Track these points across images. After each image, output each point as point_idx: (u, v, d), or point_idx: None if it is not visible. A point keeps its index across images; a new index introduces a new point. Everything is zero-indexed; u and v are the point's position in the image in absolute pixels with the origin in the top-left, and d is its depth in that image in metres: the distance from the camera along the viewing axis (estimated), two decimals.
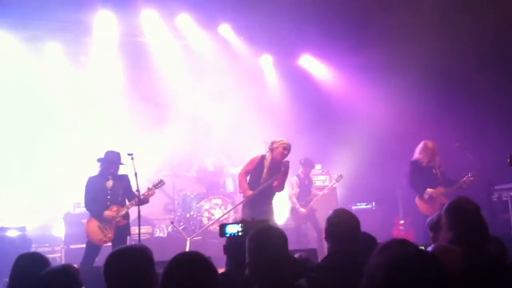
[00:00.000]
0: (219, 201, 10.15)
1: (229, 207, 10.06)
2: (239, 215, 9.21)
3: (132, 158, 6.97)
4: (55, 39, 10.49)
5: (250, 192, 7.39)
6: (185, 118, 11.22)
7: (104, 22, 10.49)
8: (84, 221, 7.57)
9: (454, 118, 10.17)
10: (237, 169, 10.80)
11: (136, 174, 6.92)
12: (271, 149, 7.44)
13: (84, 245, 7.51)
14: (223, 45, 11.42)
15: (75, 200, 9.63)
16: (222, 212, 9.99)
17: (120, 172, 7.51)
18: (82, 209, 9.32)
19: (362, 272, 1.76)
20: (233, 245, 3.52)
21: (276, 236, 2.92)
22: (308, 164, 9.76)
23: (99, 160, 7.43)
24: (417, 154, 8.28)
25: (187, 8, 10.63)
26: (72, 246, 9.08)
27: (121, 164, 7.39)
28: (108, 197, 7.34)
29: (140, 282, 2.71)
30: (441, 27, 9.47)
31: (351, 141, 11.12)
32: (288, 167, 7.49)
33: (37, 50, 10.41)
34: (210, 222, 9.57)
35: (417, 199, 8.23)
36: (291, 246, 3.20)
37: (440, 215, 4.57)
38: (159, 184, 7.49)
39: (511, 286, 2.90)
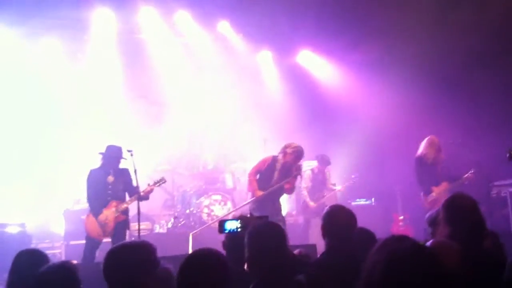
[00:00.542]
0: (218, 197, 10.16)
1: (229, 203, 10.07)
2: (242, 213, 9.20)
3: (132, 155, 6.99)
4: (54, 35, 10.47)
5: (260, 192, 7.46)
6: (184, 115, 11.23)
7: (102, 19, 10.50)
8: (84, 217, 7.58)
9: (453, 114, 10.16)
10: (235, 166, 10.85)
11: (135, 170, 6.95)
12: (284, 153, 7.49)
13: (84, 241, 7.51)
14: (221, 42, 11.43)
15: (75, 197, 9.66)
16: (221, 208, 10.01)
17: (120, 167, 7.54)
18: (82, 205, 9.41)
19: (359, 268, 1.77)
20: (232, 241, 3.54)
21: (274, 232, 2.94)
22: (322, 161, 9.78)
23: (101, 153, 7.44)
24: (422, 149, 8.24)
25: (185, 5, 10.63)
26: (72, 242, 9.10)
27: (123, 158, 7.41)
28: (109, 192, 7.37)
29: (141, 278, 2.71)
30: (439, 23, 9.46)
31: (350, 137, 11.12)
32: (300, 170, 7.59)
33: (35, 46, 10.40)
34: (225, 214, 9.57)
35: (422, 195, 8.20)
36: (296, 241, 3.22)
37: (438, 211, 4.59)
38: (160, 181, 7.52)
39: (507, 282, 2.90)
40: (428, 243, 2.97)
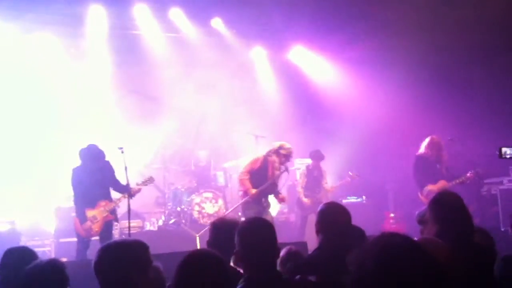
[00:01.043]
0: (210, 195, 10.14)
1: (220, 201, 10.07)
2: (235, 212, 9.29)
3: (122, 152, 6.96)
4: (48, 31, 10.40)
5: (254, 191, 7.64)
6: (177, 112, 11.21)
7: (96, 16, 10.45)
8: (74, 214, 7.56)
9: (446, 112, 10.19)
10: (228, 164, 10.83)
11: (126, 168, 6.92)
12: (278, 153, 7.75)
13: (74, 239, 7.55)
14: (215, 39, 11.40)
15: (66, 194, 9.60)
16: (212, 206, 10.00)
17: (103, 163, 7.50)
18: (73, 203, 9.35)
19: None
20: (216, 239, 3.57)
21: (264, 228, 2.94)
22: (316, 157, 9.76)
23: (81, 151, 7.38)
24: (424, 148, 8.23)
25: (179, 2, 10.60)
26: (62, 240, 9.05)
27: (104, 157, 7.39)
28: (95, 191, 7.31)
29: (133, 276, 2.69)
30: (434, 21, 9.48)
31: (343, 134, 11.13)
32: (287, 168, 7.86)
33: (29, 41, 10.34)
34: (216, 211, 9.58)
35: (420, 193, 8.13)
36: (292, 238, 3.22)
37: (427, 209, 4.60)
38: (148, 181, 7.51)
39: (498, 278, 2.92)
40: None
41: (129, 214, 6.93)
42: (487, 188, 9.36)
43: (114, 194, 7.60)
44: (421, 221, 4.84)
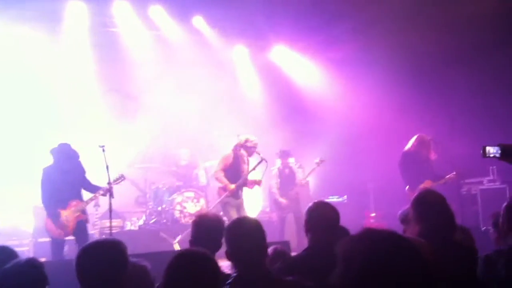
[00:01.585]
0: (191, 194, 10.07)
1: (202, 200, 10.01)
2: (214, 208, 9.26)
3: (104, 150, 6.90)
4: (28, 27, 10.24)
5: (232, 186, 8.08)
6: (158, 110, 11.13)
7: (76, 12, 10.33)
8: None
9: (427, 111, 10.29)
10: (210, 163, 10.77)
11: (107, 167, 6.87)
12: (245, 147, 8.24)
13: None
14: (196, 37, 11.34)
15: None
16: (194, 205, 9.93)
17: (91, 164, 7.47)
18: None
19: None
20: (198, 238, 3.58)
21: (253, 227, 2.95)
22: (283, 155, 9.78)
23: (52, 151, 7.33)
24: (412, 146, 8.21)
25: None
26: (40, 240, 8.91)
27: (74, 156, 7.33)
28: (67, 190, 7.24)
29: (114, 276, 2.67)
30: (416, 22, 9.53)
31: (324, 134, 11.16)
32: (263, 158, 8.21)
33: (8, 38, 10.17)
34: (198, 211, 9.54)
35: (407, 191, 8.09)
36: (271, 238, 3.23)
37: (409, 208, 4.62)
38: (120, 179, 7.44)
39: (480, 277, 2.94)
40: None
41: (110, 213, 6.87)
42: (467, 188, 9.46)
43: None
44: (404, 220, 4.86)
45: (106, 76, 10.96)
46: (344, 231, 3.85)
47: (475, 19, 8.81)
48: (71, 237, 7.36)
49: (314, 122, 11.58)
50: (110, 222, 6.90)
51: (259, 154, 8.24)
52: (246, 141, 8.26)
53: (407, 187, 8.05)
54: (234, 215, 7.85)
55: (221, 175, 8.18)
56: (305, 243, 8.51)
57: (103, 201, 7.39)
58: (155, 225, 9.76)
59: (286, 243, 6.24)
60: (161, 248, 7.82)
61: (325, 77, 11.90)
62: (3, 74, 10.10)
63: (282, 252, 4.09)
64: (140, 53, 11.10)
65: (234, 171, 8.21)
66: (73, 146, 7.49)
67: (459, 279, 2.89)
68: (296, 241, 8.68)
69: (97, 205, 8.16)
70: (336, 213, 3.52)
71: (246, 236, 2.86)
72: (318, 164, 9.73)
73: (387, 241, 1.62)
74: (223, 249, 3.08)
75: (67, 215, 7.17)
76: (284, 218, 9.52)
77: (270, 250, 4.01)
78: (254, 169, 8.28)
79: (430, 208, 3.40)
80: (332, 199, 10.93)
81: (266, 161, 8.19)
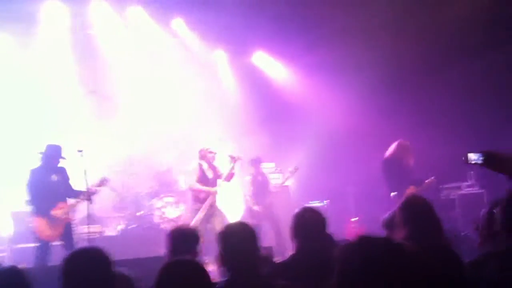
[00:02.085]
0: (171, 199, 9.97)
1: (181, 205, 9.92)
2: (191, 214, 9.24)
3: (82, 155, 6.82)
4: (4, 30, 10.08)
5: (214, 190, 8.40)
6: (137, 114, 11.02)
7: (53, 13, 10.21)
8: (30, 219, 7.32)
9: (406, 116, 10.36)
10: (189, 167, 10.68)
11: (85, 171, 6.79)
12: (205, 156, 8.61)
13: (31, 245, 7.32)
14: (176, 40, 11.29)
15: (24, 198, 9.27)
16: (174, 211, 9.84)
17: (69, 168, 7.41)
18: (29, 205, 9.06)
19: (329, 268, 1.75)
20: (177, 245, 3.67)
21: (246, 232, 2.97)
22: (255, 162, 9.74)
23: (40, 153, 7.29)
24: (392, 152, 8.22)
25: (139, 0, 10.46)
26: (18, 246, 8.71)
27: (62, 158, 7.27)
28: (54, 192, 7.18)
29: (100, 283, 2.64)
30: (395, 25, 9.62)
31: (304, 139, 11.18)
32: (234, 157, 8.59)
33: None
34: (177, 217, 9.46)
35: (393, 197, 7.88)
36: None
37: (394, 213, 4.63)
38: (102, 182, 7.37)
39: (469, 280, 2.95)
40: None
41: (88, 218, 6.78)
42: (446, 192, 9.55)
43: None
44: (388, 226, 4.88)
45: (85, 78, 10.81)
46: (329, 237, 3.85)
47: (458, 22, 8.93)
48: (56, 243, 7.26)
49: (294, 126, 11.58)
50: (88, 227, 6.81)
51: (233, 156, 8.57)
52: (205, 151, 8.63)
53: (393, 193, 8.01)
54: (203, 225, 8.03)
55: (198, 186, 8.43)
56: (286, 248, 8.50)
57: (81, 206, 7.27)
58: (135, 230, 9.64)
59: (269, 249, 6.22)
60: (142, 254, 7.71)
61: (304, 82, 11.92)
62: None
63: (265, 258, 4.07)
64: (119, 54, 10.99)
65: (204, 180, 8.47)
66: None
67: (446, 283, 2.89)
68: (276, 247, 8.63)
69: (74, 210, 8.04)
70: (323, 219, 3.55)
71: (239, 240, 2.87)
72: (292, 172, 9.80)
73: (384, 247, 1.62)
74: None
75: (56, 215, 7.10)
76: (259, 225, 9.46)
77: None
78: (232, 170, 8.57)
79: (417, 211, 3.45)
80: (313, 204, 10.90)
81: (239, 159, 8.62)
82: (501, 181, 3.94)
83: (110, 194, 10.05)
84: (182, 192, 10.38)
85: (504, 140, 8.52)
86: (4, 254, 8.77)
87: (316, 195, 11.15)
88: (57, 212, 7.11)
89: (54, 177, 7.23)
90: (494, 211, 3.38)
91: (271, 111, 12.06)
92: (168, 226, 9.38)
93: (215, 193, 8.41)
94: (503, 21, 9.32)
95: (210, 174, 8.54)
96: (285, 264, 3.51)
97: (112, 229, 9.96)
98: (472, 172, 9.43)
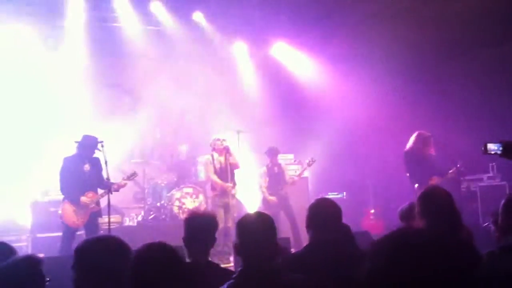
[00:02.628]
0: (190, 190, 10.03)
1: (201, 196, 9.97)
2: (208, 205, 9.34)
3: (102, 146, 6.97)
4: (25, 22, 10.18)
5: (228, 184, 8.63)
6: (157, 105, 11.08)
7: (76, 6, 10.26)
8: (53, 209, 7.54)
9: (427, 107, 10.24)
10: (205, 158, 10.75)
11: (106, 162, 6.93)
12: (215, 148, 8.86)
13: (51, 234, 7.68)
14: (196, 33, 11.29)
15: (43, 188, 9.44)
16: (193, 201, 9.90)
17: (99, 161, 7.55)
18: (50, 197, 9.24)
19: (344, 259, 1.74)
20: (192, 234, 3.59)
21: (263, 222, 2.95)
22: (271, 153, 9.68)
23: (76, 142, 7.48)
24: (412, 144, 8.18)
25: None
26: (39, 235, 8.88)
27: (97, 149, 7.40)
28: (85, 181, 7.41)
29: (113, 271, 2.65)
30: (415, 15, 9.48)
31: (323, 130, 11.12)
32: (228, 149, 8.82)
33: (4, 33, 10.10)
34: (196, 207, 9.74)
35: (417, 189, 7.80)
36: None
37: (411, 205, 4.60)
38: (132, 176, 7.72)
39: (484, 273, 2.91)
40: None
41: (109, 209, 6.91)
42: (467, 185, 9.45)
43: None
44: (404, 217, 4.86)
45: (105, 72, 10.91)
46: (346, 228, 3.83)
47: (476, 14, 8.77)
48: (81, 232, 7.49)
49: (313, 118, 11.54)
50: (109, 218, 6.92)
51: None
52: (215, 143, 8.87)
53: (416, 185, 7.93)
54: (222, 215, 8.37)
55: (214, 177, 8.76)
56: (301, 239, 8.52)
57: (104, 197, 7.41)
58: (154, 221, 9.73)
59: (286, 240, 6.24)
60: None
61: (323, 73, 11.85)
62: (2, 69, 10.03)
63: (282, 249, 4.07)
64: (139, 48, 11.03)
65: (221, 172, 8.71)
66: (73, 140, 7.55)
67: (462, 276, 2.86)
68: (292, 238, 8.65)
69: (101, 197, 8.16)
70: (338, 210, 3.49)
71: (256, 230, 2.86)
72: (309, 164, 9.74)
73: (415, 240, 1.60)
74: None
75: (85, 202, 7.35)
76: (275, 216, 9.45)
77: None
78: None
79: (436, 203, 3.43)
80: (331, 196, 10.88)
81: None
82: None
83: (130, 185, 10.14)
84: (201, 183, 10.44)
85: None
86: (24, 243, 8.94)
87: (334, 187, 11.13)
88: (85, 200, 7.34)
89: (87, 167, 7.46)
90: None
91: (289, 102, 12.04)
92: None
93: (227, 187, 8.62)
94: None
95: (217, 164, 8.80)
96: (298, 255, 3.49)
97: (132, 220, 10.07)
98: (493, 163, 9.30)
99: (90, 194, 7.43)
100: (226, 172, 8.69)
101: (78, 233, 7.51)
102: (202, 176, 10.60)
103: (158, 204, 9.98)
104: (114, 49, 10.95)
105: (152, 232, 8.94)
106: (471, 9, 8.84)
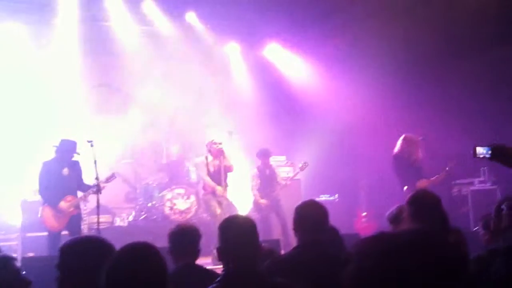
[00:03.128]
0: (181, 191, 9.99)
1: (192, 197, 9.94)
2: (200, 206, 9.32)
3: (92, 145, 6.93)
4: (17, 20, 10.12)
5: (219, 188, 8.73)
6: (148, 105, 11.03)
7: (68, 4, 10.20)
8: (41, 208, 7.47)
9: (419, 108, 10.22)
10: (200, 159, 10.70)
11: (95, 162, 6.91)
12: (210, 150, 8.93)
13: (41, 233, 7.64)
14: (188, 33, 11.25)
15: (33, 187, 9.36)
16: (184, 202, 9.86)
17: (79, 159, 7.57)
18: (40, 196, 9.15)
19: (331, 262, 1.71)
20: (177, 235, 3.72)
21: (245, 225, 2.92)
22: (262, 155, 9.61)
23: (54, 146, 7.48)
24: (399, 147, 8.16)
25: None
26: (28, 234, 8.81)
27: (76, 153, 7.47)
28: (64, 185, 7.39)
29: (96, 271, 2.60)
30: (409, 16, 9.46)
31: (316, 132, 11.09)
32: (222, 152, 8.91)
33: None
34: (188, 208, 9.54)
35: (405, 192, 7.72)
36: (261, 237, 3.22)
37: (399, 208, 4.60)
38: (111, 178, 7.63)
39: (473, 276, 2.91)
40: None
41: (98, 209, 6.87)
42: (458, 188, 9.45)
43: None
44: (393, 220, 4.84)
45: (97, 71, 10.86)
46: (334, 231, 3.82)
47: (474, 13, 8.77)
48: (65, 233, 7.47)
49: (306, 119, 11.52)
50: (98, 217, 6.89)
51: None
52: (210, 144, 8.94)
53: (405, 187, 7.94)
54: (217, 209, 8.61)
55: (208, 179, 8.81)
56: (292, 242, 8.49)
57: (92, 196, 7.40)
58: (145, 221, 9.69)
59: (276, 242, 6.22)
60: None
61: (316, 75, 11.84)
62: None
63: (270, 251, 4.05)
64: (131, 48, 10.98)
65: (215, 175, 8.80)
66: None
67: (449, 278, 2.85)
68: (283, 240, 8.61)
69: (85, 200, 8.16)
70: (324, 212, 3.47)
71: (239, 234, 2.82)
72: (301, 168, 9.74)
73: (403, 241, 1.57)
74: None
75: (63, 207, 7.32)
76: (267, 218, 9.43)
77: None
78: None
79: (425, 207, 3.44)
80: (323, 198, 10.86)
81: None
82: None
83: (121, 185, 10.12)
84: (192, 184, 10.40)
85: None
86: (15, 243, 8.88)
87: (327, 189, 11.10)
88: (63, 205, 7.34)
89: (66, 171, 7.44)
90: (502, 207, 3.33)
91: (282, 103, 12.01)
92: (178, 218, 9.44)
93: (218, 191, 8.72)
94: None
95: (211, 168, 8.85)
96: (286, 258, 3.47)
97: (123, 220, 10.02)
98: (485, 167, 9.31)
99: (69, 198, 7.43)
100: (220, 174, 8.77)
101: (63, 233, 7.47)
102: (193, 177, 10.56)
103: (149, 204, 9.94)
104: (106, 48, 10.90)
105: (142, 233, 8.90)
106: (466, 12, 8.85)
